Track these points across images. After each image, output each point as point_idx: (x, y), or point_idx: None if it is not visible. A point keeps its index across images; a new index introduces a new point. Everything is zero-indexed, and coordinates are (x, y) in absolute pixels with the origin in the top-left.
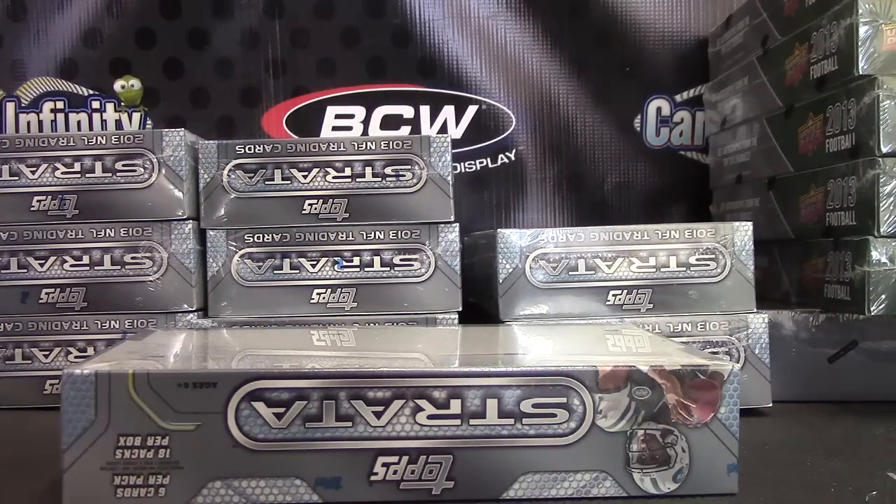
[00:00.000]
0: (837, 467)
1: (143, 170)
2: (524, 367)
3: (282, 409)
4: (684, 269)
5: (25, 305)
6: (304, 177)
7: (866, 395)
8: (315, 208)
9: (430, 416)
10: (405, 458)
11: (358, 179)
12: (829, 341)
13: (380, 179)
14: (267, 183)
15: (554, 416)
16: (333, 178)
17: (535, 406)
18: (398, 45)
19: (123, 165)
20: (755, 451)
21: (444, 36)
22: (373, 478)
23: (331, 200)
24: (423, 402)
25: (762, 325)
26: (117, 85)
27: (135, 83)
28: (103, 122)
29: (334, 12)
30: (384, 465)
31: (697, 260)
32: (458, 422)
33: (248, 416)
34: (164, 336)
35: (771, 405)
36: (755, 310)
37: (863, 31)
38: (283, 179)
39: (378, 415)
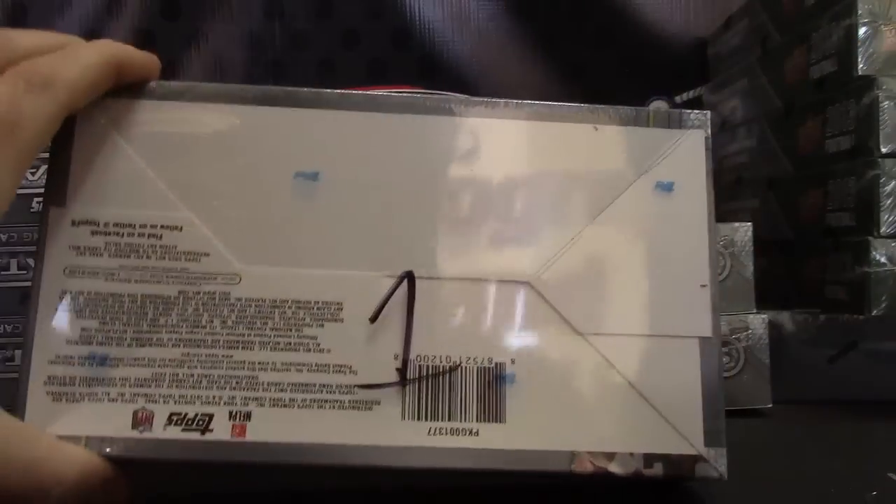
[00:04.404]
0: (837, 467)
1: None
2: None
3: None
4: None
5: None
6: None
7: (866, 395)
8: None
9: None
10: None
11: None
12: (830, 342)
13: None
14: None
15: None
16: None
17: None
18: (398, 46)
19: None
20: (755, 451)
21: (444, 37)
22: None
23: None
24: None
25: (762, 326)
26: None
27: None
28: None
29: (334, 14)
30: None
31: None
32: None
33: None
34: None
35: (771, 405)
36: (755, 310)
37: (862, 31)
38: None
39: None
